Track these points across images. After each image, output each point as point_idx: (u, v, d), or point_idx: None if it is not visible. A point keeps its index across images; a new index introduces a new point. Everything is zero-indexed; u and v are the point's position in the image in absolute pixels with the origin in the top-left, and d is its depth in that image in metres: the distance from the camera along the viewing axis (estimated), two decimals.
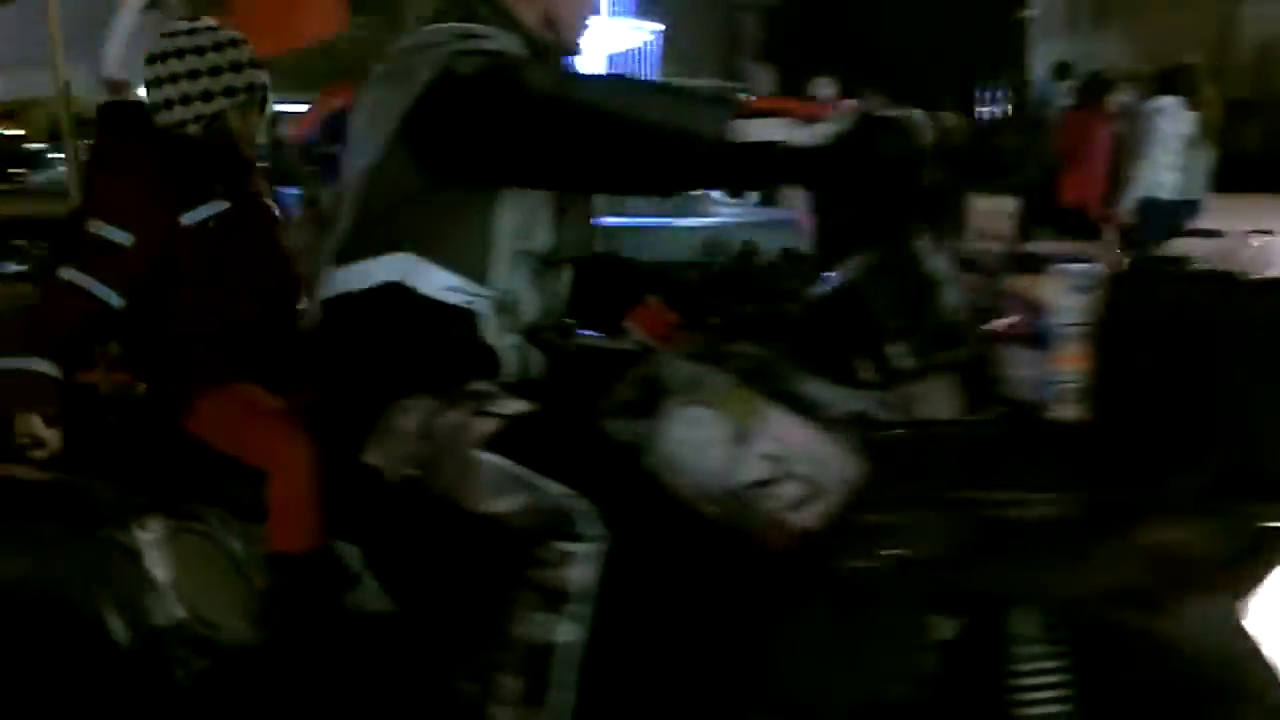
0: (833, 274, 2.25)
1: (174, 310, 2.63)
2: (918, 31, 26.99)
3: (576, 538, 2.07)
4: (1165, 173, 9.47)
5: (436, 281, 2.23)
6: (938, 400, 2.17)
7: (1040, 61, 24.75)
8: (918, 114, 1.98)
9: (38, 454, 2.47)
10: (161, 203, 2.59)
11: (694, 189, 2.29)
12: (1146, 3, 26.88)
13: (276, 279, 2.77)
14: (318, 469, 2.35)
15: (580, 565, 2.06)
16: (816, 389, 2.15)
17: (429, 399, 2.21)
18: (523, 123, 2.08)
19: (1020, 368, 2.13)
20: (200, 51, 2.66)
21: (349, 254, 2.27)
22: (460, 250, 2.24)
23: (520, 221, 2.28)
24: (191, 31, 2.68)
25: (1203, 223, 10.84)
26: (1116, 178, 9.60)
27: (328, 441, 2.34)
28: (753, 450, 2.12)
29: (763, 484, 2.12)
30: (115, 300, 2.55)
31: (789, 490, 2.11)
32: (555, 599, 2.07)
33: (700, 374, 2.20)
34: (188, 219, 2.61)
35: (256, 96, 2.75)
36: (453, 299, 2.24)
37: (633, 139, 2.03)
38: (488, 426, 2.17)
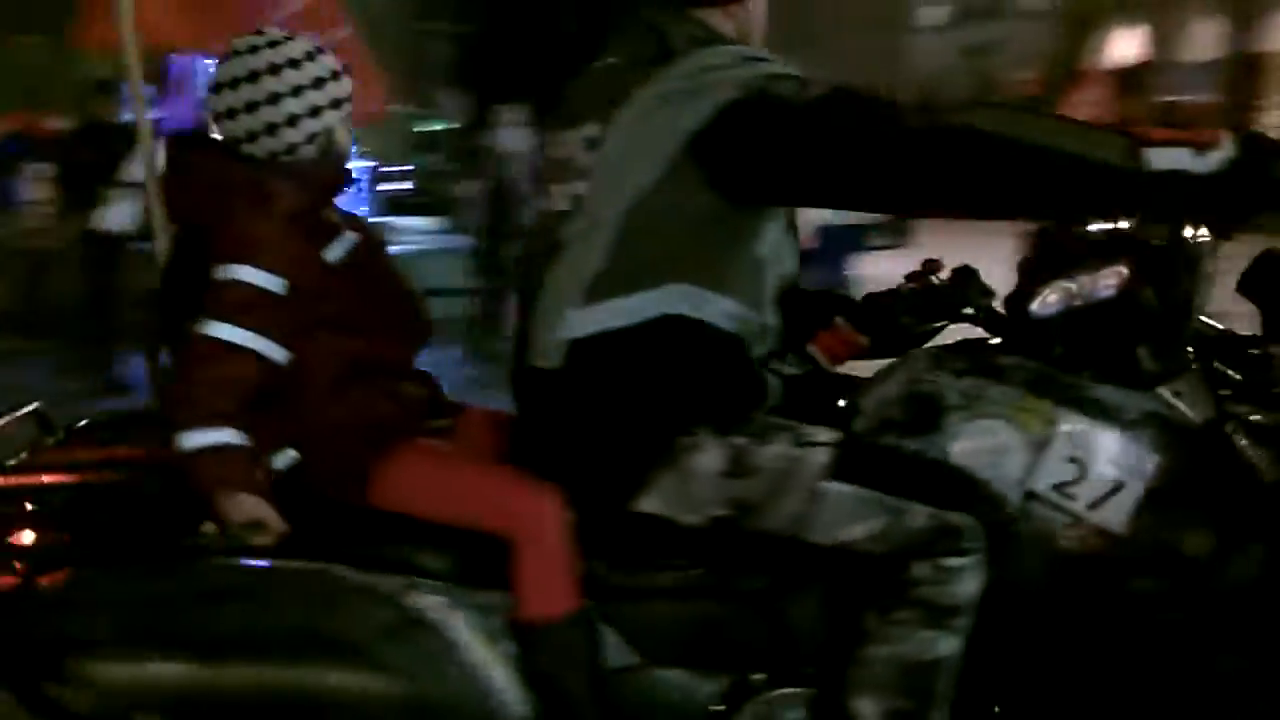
0: (1057, 287, 2.41)
1: (319, 361, 2.37)
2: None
3: (963, 552, 2.13)
4: None
5: (721, 310, 2.20)
6: (1193, 398, 2.35)
7: None
8: None
9: (261, 538, 2.21)
10: (308, 241, 2.36)
11: (1094, 216, 2.35)
12: (825, 33, 28.48)
13: (407, 314, 2.58)
14: (572, 525, 2.24)
15: (968, 578, 2.13)
16: (1106, 392, 2.29)
17: (714, 435, 2.19)
18: (892, 142, 2.09)
19: None
20: (296, 64, 2.39)
21: (606, 289, 2.19)
22: (737, 276, 2.22)
23: (777, 245, 2.29)
24: (274, 44, 2.41)
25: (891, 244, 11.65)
26: None
27: (583, 492, 2.23)
28: (1053, 455, 2.25)
29: (1063, 485, 2.26)
30: (279, 355, 2.29)
31: (1090, 490, 2.24)
32: (941, 614, 2.12)
33: (978, 388, 2.30)
34: (330, 256, 2.40)
35: (351, 107, 2.52)
36: (731, 327, 2.22)
37: (1038, 166, 2.06)
38: (823, 456, 2.18)
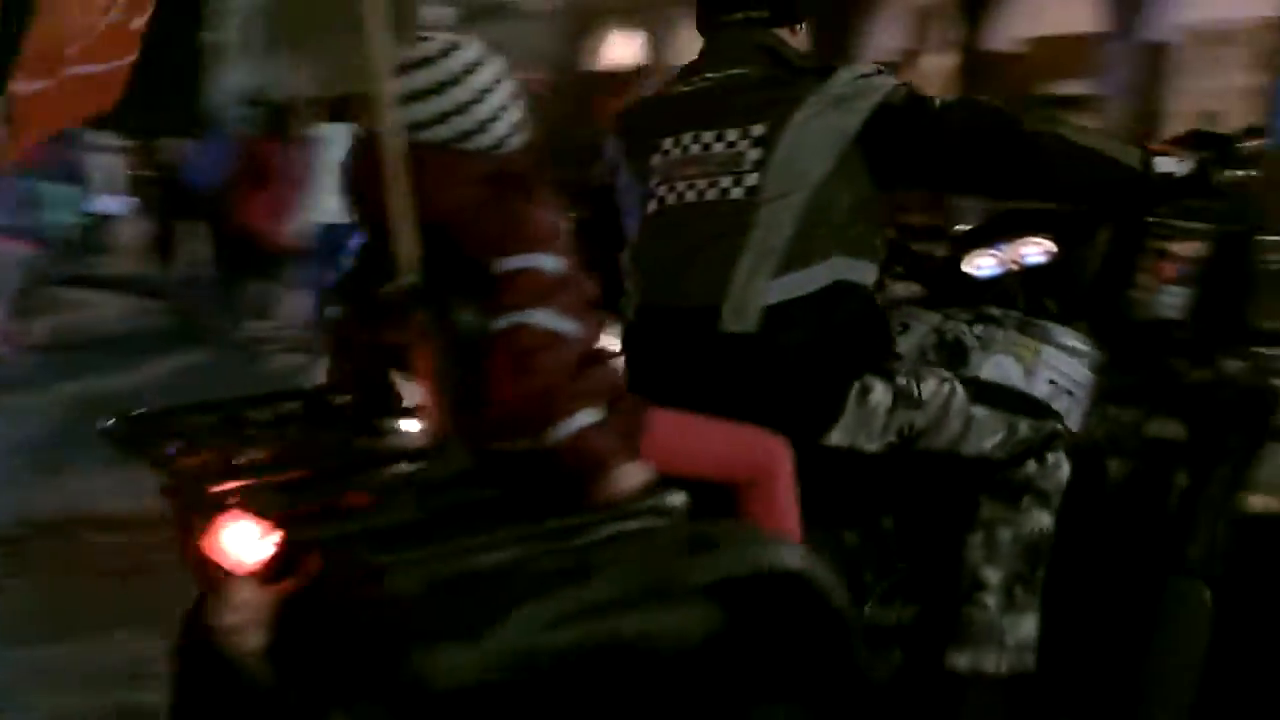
0: (985, 254, 3.32)
1: (587, 337, 2.51)
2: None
3: (1057, 448, 2.92)
4: (338, 198, 10.38)
5: (868, 275, 2.84)
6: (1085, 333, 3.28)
7: (227, 86, 25.62)
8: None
9: (657, 499, 2.39)
10: (564, 221, 2.53)
11: (1123, 205, 3.10)
12: (322, 32, 28.45)
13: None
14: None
15: (1062, 467, 2.93)
16: (1059, 331, 3.19)
17: (879, 376, 2.80)
18: (1012, 142, 2.79)
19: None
20: (485, 61, 2.55)
21: (793, 263, 2.71)
22: (874, 247, 2.87)
23: None
24: (458, 46, 2.55)
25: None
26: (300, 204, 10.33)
27: (785, 433, 2.65)
28: (1040, 379, 3.12)
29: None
30: (579, 332, 2.43)
31: (1061, 403, 3.12)
32: (1048, 498, 2.90)
33: (988, 332, 3.14)
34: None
35: None
36: (871, 288, 2.87)
37: (1102, 167, 2.86)
38: (965, 390, 2.88)
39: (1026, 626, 2.89)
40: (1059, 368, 3.14)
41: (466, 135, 2.52)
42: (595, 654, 2.23)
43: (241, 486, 2.30)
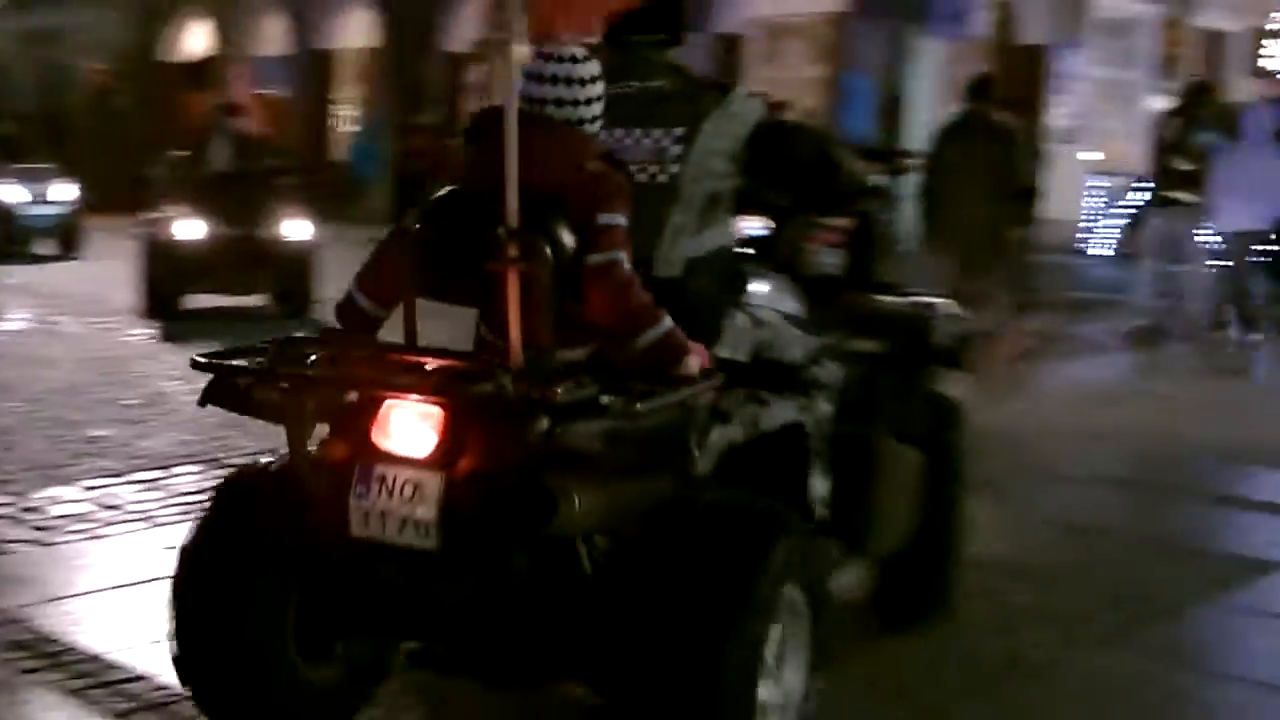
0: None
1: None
2: None
3: (832, 357, 3.95)
4: None
5: (733, 238, 3.81)
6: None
7: None
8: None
9: (712, 380, 3.23)
10: None
11: (841, 203, 4.09)
12: None
13: None
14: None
15: (837, 370, 3.96)
16: (778, 279, 4.01)
17: (738, 309, 3.67)
18: (823, 159, 3.88)
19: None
20: (601, 73, 3.33)
21: (698, 229, 3.58)
22: (730, 219, 3.77)
23: None
24: (592, 55, 3.29)
25: None
26: None
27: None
28: (784, 304, 3.98)
29: None
30: None
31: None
32: (831, 391, 3.91)
33: (755, 275, 3.93)
34: None
35: None
36: (734, 249, 3.83)
37: (848, 177, 3.93)
38: (782, 317, 3.85)
39: (824, 485, 3.87)
40: (788, 304, 4.03)
41: (583, 121, 3.30)
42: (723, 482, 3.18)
43: (411, 375, 2.86)
